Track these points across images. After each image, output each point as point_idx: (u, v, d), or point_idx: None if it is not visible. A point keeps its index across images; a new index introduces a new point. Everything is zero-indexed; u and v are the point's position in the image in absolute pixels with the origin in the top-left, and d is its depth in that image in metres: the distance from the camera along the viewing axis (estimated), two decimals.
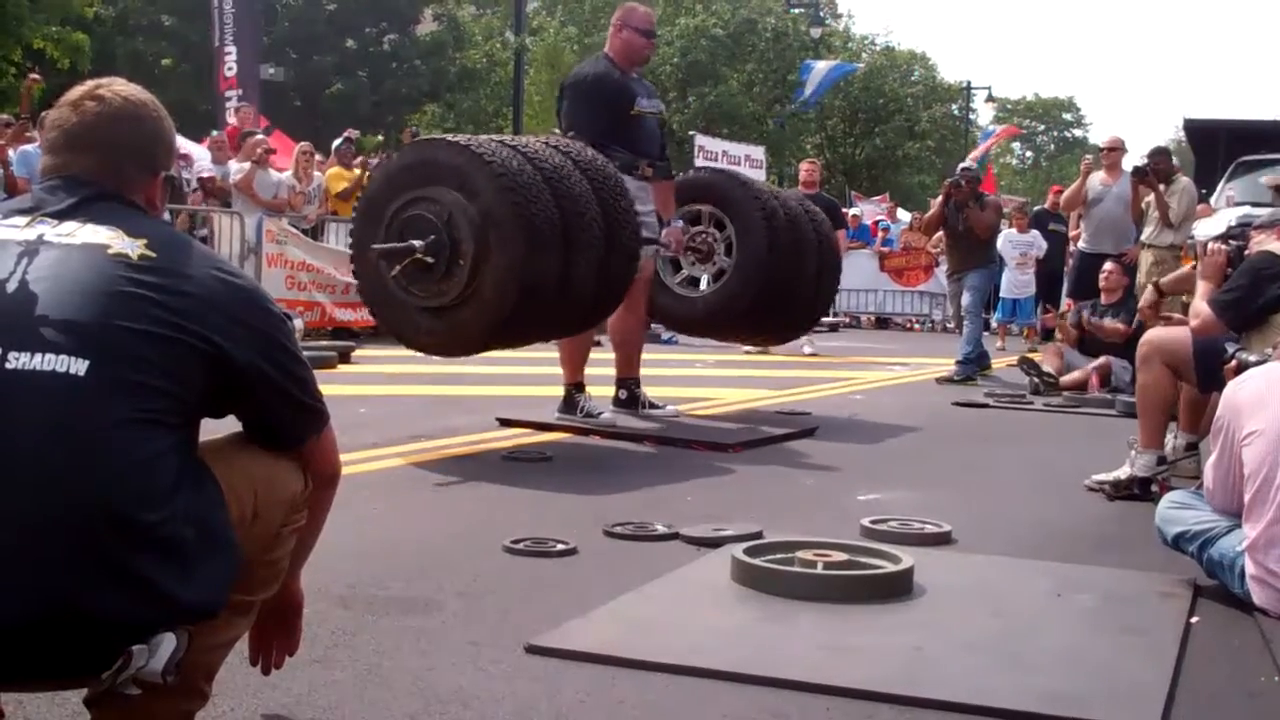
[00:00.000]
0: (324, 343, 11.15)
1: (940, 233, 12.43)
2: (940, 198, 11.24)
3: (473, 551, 4.00)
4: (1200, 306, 5.06)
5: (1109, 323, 9.68)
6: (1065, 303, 13.99)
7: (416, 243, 5.61)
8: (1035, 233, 16.11)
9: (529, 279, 5.56)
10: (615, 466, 5.80)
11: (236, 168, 12.71)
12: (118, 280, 1.97)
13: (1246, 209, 12.32)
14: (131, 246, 2.03)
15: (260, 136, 13.37)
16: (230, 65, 22.75)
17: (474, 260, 5.56)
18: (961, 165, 12.40)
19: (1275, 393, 3.58)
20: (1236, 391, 3.74)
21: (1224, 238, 5.44)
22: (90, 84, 2.23)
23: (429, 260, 5.61)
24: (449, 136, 5.96)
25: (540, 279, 5.60)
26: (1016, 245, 15.96)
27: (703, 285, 7.96)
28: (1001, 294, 16.16)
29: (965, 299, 11.02)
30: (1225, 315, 4.89)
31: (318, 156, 14.10)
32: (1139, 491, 5.29)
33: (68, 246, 2.00)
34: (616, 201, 6.03)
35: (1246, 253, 5.09)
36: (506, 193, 5.51)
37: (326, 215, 13.29)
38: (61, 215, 2.06)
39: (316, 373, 2.29)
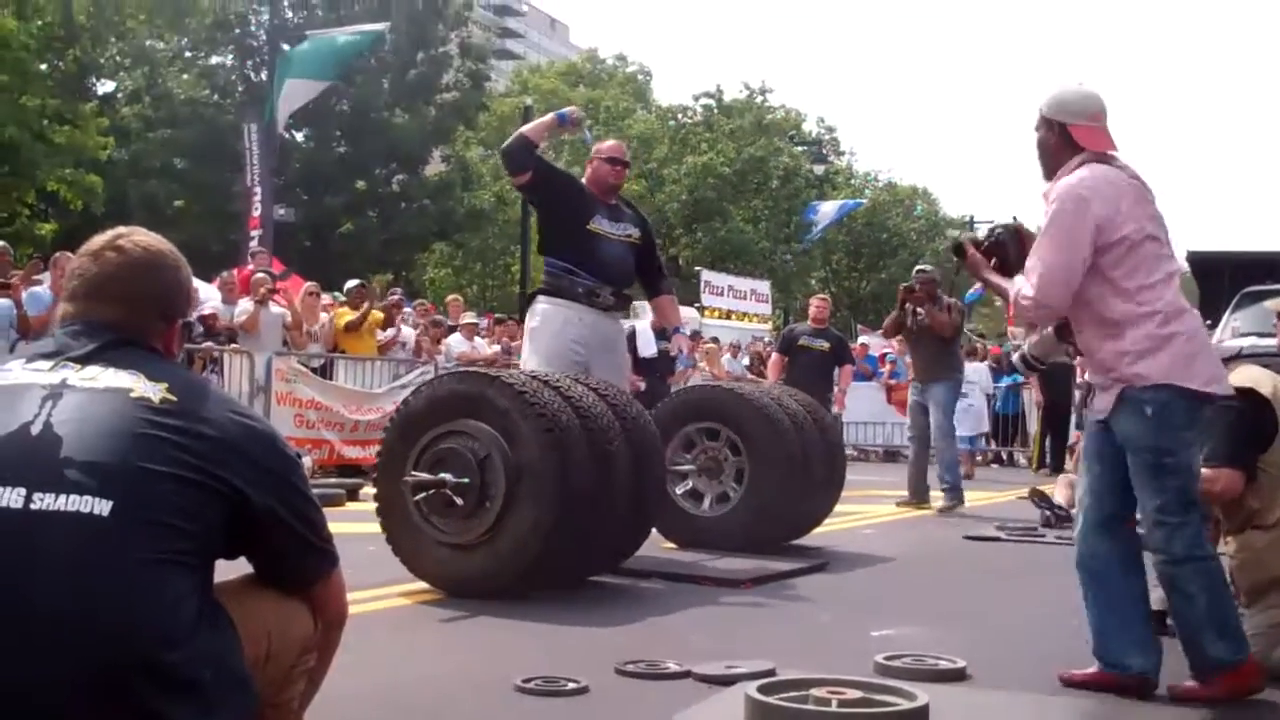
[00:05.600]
0: (332, 480, 11.12)
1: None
2: (898, 302, 11.24)
3: (483, 691, 3.96)
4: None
5: None
6: (1074, 434, 13.93)
7: (448, 477, 5.48)
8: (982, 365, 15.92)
9: (552, 538, 5.38)
10: (624, 601, 5.75)
11: (241, 308, 12.82)
12: (140, 423, 2.00)
13: (1253, 339, 12.38)
14: (153, 390, 2.06)
15: (261, 275, 13.52)
16: (256, 206, 23.23)
17: (501, 507, 5.42)
18: (917, 268, 12.23)
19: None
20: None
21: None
22: (110, 234, 2.27)
23: (457, 500, 5.49)
24: (498, 373, 5.82)
25: (562, 539, 5.41)
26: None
27: (705, 504, 7.52)
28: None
29: (934, 416, 10.89)
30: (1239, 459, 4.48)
31: (324, 298, 14.24)
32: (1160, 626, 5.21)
33: (91, 390, 2.04)
34: (650, 468, 5.90)
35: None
36: (549, 450, 5.34)
37: (336, 354, 13.36)
38: (84, 360, 2.10)
39: (325, 510, 2.30)
